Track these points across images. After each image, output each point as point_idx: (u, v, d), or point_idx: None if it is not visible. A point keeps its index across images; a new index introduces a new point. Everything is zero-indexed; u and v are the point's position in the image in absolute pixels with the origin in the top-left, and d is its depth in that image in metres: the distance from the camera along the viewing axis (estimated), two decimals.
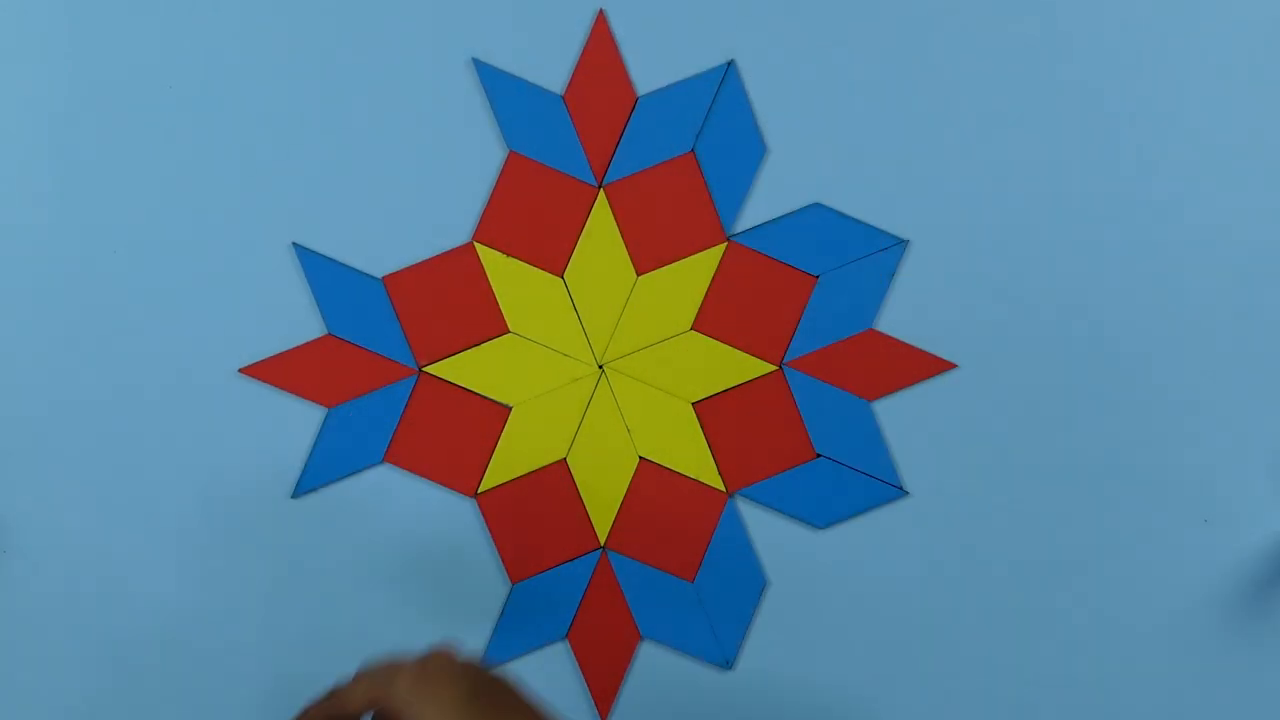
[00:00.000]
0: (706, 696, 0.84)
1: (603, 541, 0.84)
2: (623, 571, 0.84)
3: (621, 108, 0.83)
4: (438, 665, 0.65)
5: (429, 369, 0.84)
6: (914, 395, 0.84)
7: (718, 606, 0.84)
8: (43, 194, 0.82)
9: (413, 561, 0.83)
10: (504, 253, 0.84)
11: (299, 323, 0.83)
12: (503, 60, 0.83)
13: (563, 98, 0.83)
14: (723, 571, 0.84)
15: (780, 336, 0.84)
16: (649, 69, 0.83)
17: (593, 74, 0.83)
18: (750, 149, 0.84)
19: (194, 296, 0.83)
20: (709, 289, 0.84)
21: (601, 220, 0.84)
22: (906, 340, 0.84)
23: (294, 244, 0.83)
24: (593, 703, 0.83)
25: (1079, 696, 0.83)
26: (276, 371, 0.83)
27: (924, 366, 0.83)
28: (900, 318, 0.84)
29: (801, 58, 0.83)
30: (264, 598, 0.83)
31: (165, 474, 0.83)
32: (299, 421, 0.83)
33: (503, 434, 0.83)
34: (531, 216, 0.84)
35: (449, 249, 0.83)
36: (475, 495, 0.84)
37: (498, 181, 0.83)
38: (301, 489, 0.83)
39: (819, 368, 0.84)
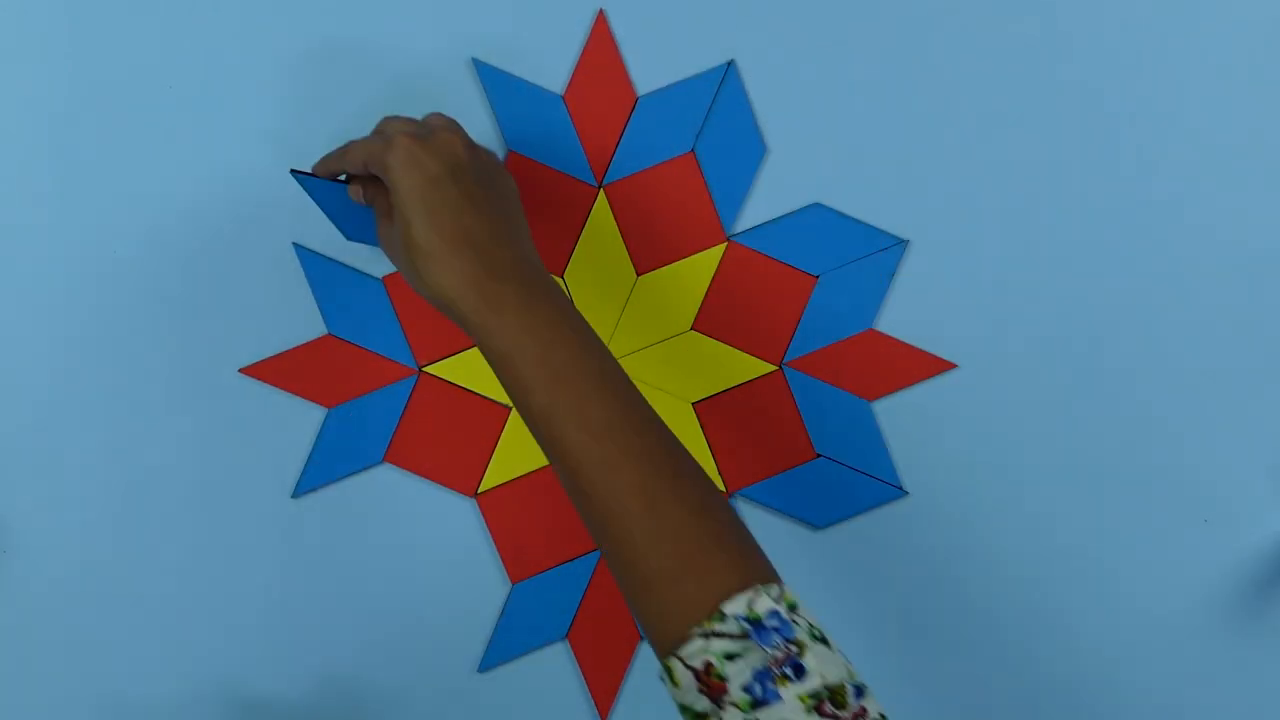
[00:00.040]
0: None
1: None
2: None
3: (621, 108, 0.83)
4: (437, 140, 0.67)
5: (429, 369, 0.84)
6: (914, 395, 0.84)
7: None
8: (43, 194, 0.82)
9: (413, 561, 0.83)
10: None
11: (299, 323, 0.83)
12: (503, 60, 0.83)
13: (563, 98, 0.83)
14: None
15: (780, 336, 0.84)
16: (649, 69, 0.83)
17: (593, 74, 0.83)
18: (750, 149, 0.84)
19: (194, 296, 0.83)
20: (709, 289, 0.84)
21: (601, 220, 0.84)
22: (906, 340, 0.84)
23: (294, 244, 0.83)
24: (593, 703, 0.83)
25: (1079, 696, 0.83)
26: (276, 371, 0.83)
27: (924, 366, 0.84)
28: (900, 318, 0.84)
29: (801, 58, 0.83)
30: (264, 598, 0.83)
31: (165, 474, 0.83)
32: (299, 421, 0.83)
33: (503, 434, 0.83)
34: (532, 216, 0.83)
35: None
36: (475, 495, 0.84)
37: None
38: (301, 489, 0.83)
39: (819, 368, 0.84)
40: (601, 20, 0.83)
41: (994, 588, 0.83)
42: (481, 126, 0.83)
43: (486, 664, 0.83)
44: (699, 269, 0.84)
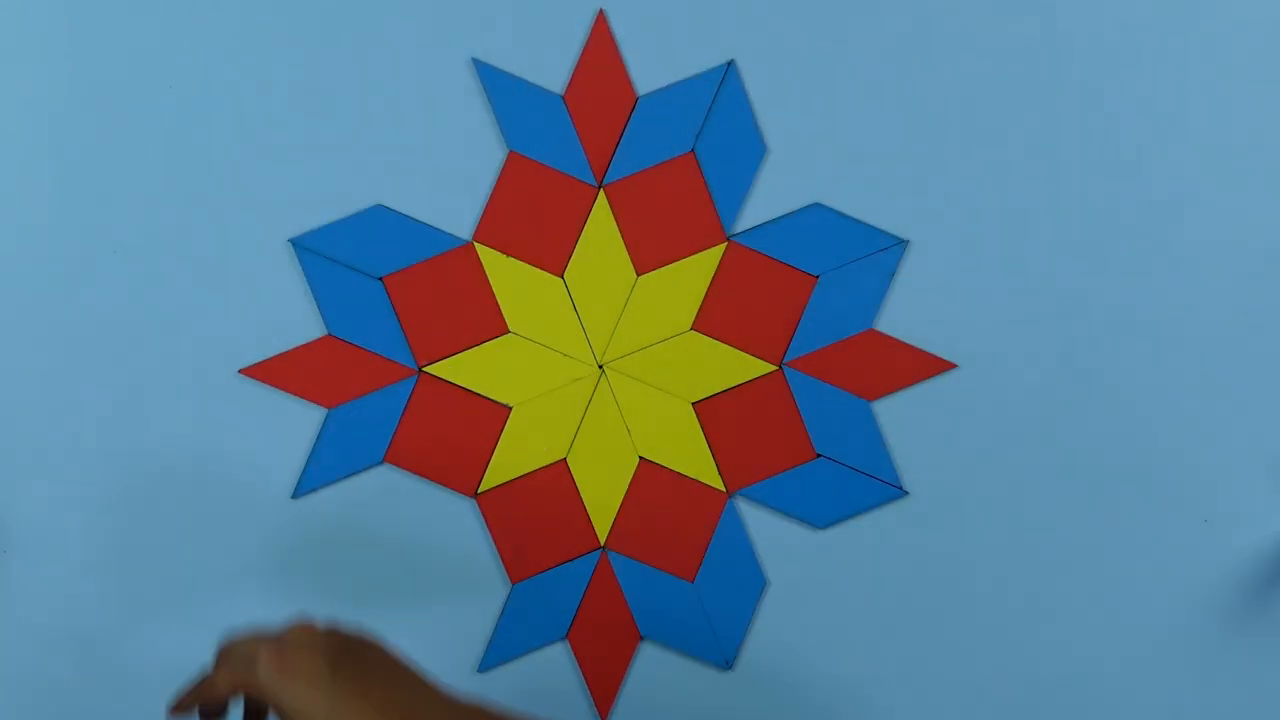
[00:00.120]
0: (706, 696, 0.84)
1: (603, 541, 0.84)
2: (623, 571, 0.84)
3: (621, 108, 0.83)
4: (295, 639, 0.63)
5: (429, 369, 0.84)
6: (914, 395, 0.84)
7: (718, 606, 0.84)
8: (43, 194, 0.82)
9: (413, 561, 0.83)
10: (504, 253, 0.84)
11: (299, 323, 0.83)
12: (503, 60, 0.83)
13: (563, 98, 0.83)
14: (723, 572, 0.84)
15: (780, 336, 0.84)
16: (649, 69, 0.83)
17: (593, 74, 0.83)
18: (750, 149, 0.84)
19: (194, 297, 0.83)
20: (709, 289, 0.84)
21: (601, 220, 0.84)
22: (906, 340, 0.84)
23: (294, 244, 0.83)
24: (593, 703, 0.83)
25: (1079, 696, 0.83)
26: (276, 372, 0.83)
27: (924, 366, 0.84)
28: (900, 318, 0.84)
29: (801, 58, 0.83)
30: (264, 598, 0.83)
31: (165, 474, 0.83)
32: (299, 422, 0.83)
33: (503, 434, 0.83)
34: (531, 216, 0.84)
35: (449, 249, 0.83)
36: (475, 495, 0.84)
37: (498, 181, 0.83)
38: (301, 489, 0.83)
39: (819, 368, 0.84)
40: (601, 20, 0.83)
41: (994, 587, 0.83)
42: (481, 126, 0.83)
43: (486, 664, 0.83)
44: (699, 269, 0.84)
